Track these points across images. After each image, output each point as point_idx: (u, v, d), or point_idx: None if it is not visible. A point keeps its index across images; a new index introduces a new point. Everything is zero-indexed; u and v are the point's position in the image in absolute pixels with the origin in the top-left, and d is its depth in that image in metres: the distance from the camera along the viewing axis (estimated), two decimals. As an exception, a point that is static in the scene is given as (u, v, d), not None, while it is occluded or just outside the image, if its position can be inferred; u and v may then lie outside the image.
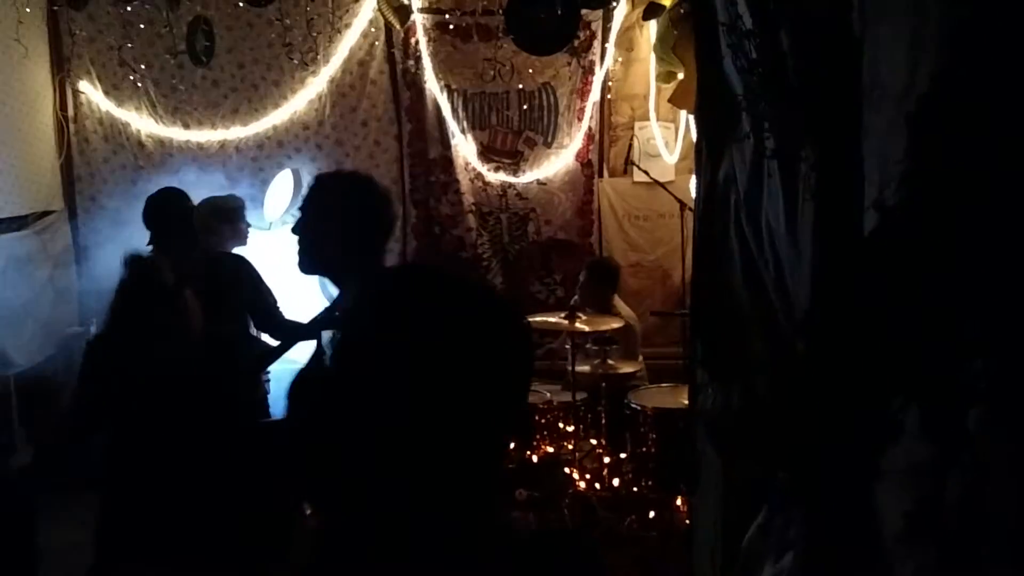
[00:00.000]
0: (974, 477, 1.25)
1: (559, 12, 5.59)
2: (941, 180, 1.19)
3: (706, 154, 2.69)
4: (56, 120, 5.92)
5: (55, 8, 5.80)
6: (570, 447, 4.92)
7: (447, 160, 6.35)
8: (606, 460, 4.83)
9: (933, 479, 1.25)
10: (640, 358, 5.43)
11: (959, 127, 1.17)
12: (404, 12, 5.76)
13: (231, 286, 3.61)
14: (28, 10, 5.50)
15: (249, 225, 4.49)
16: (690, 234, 5.33)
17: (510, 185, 6.43)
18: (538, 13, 5.53)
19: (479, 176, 6.40)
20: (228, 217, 4.33)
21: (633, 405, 4.74)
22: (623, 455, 4.82)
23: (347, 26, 6.03)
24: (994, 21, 1.16)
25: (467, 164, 6.36)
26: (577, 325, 4.77)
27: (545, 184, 6.44)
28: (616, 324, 4.97)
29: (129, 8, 5.77)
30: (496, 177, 6.41)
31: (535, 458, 4.83)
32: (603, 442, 4.91)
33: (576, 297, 5.54)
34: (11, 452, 4.69)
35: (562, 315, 4.83)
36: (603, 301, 5.37)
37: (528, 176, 6.42)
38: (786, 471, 1.56)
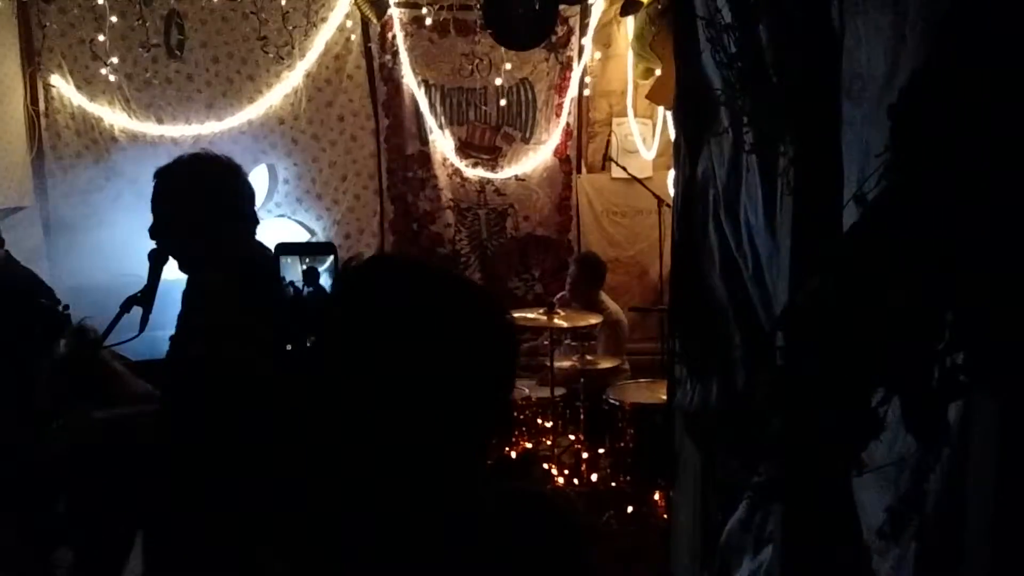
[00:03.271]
0: (954, 471, 1.25)
1: (537, 7, 5.57)
2: (923, 173, 1.19)
3: (685, 149, 2.69)
4: (27, 115, 5.81)
5: (25, 0, 5.70)
6: (548, 442, 4.92)
7: (425, 156, 6.32)
8: (584, 455, 4.83)
9: (914, 473, 1.25)
10: (624, 356, 5.43)
11: (941, 120, 1.17)
12: (381, 6, 5.71)
13: None
14: (-3, 2, 5.40)
15: None
16: (668, 230, 5.34)
17: (488, 181, 6.41)
18: (516, 8, 5.52)
19: (457, 172, 6.38)
20: None
21: (611, 400, 4.74)
22: (601, 450, 4.83)
23: (323, 20, 5.98)
24: (976, 12, 1.16)
25: (445, 160, 6.34)
26: (556, 321, 4.76)
27: (523, 180, 6.43)
28: (595, 320, 4.96)
29: (101, 1, 5.68)
30: (474, 173, 6.39)
31: (513, 454, 4.82)
32: (581, 437, 4.92)
33: (565, 291, 5.55)
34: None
35: (541, 311, 4.82)
36: (591, 295, 5.40)
37: (506, 172, 6.41)
38: (765, 466, 1.55)
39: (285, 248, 2.21)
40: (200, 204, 2.34)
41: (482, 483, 1.09)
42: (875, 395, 1.23)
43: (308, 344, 1.15)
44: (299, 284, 2.06)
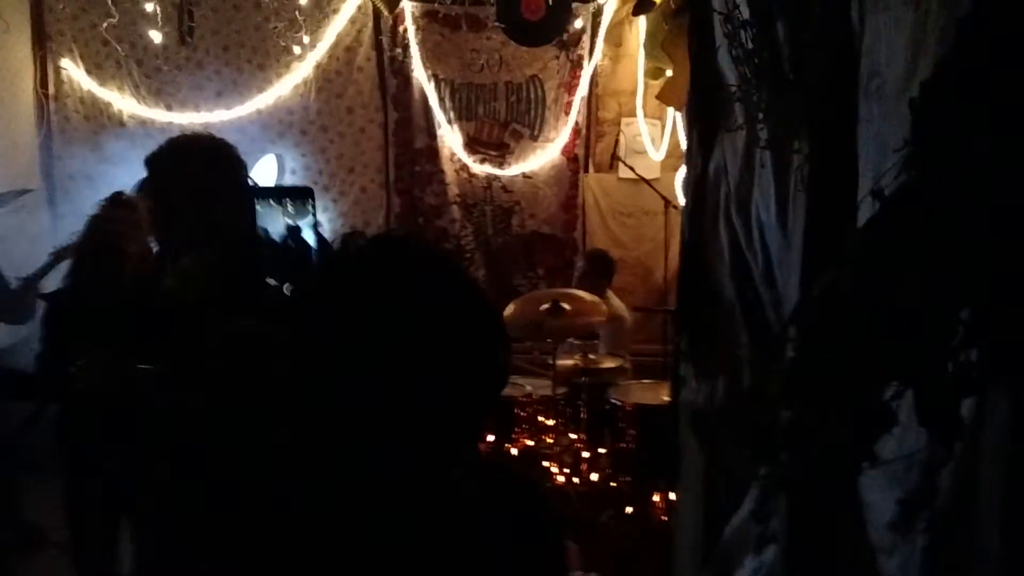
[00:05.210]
0: (967, 466, 1.24)
1: (549, 4, 5.57)
2: (942, 167, 1.18)
3: (697, 145, 2.68)
4: (36, 97, 5.82)
5: (37, -18, 5.71)
6: (550, 441, 4.91)
7: (432, 150, 6.32)
8: (585, 455, 4.82)
9: (926, 468, 1.24)
10: (626, 354, 5.42)
11: (962, 114, 1.16)
12: (393, -1, 5.72)
13: None
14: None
15: None
16: (674, 232, 5.33)
17: (495, 177, 6.41)
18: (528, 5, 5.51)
19: (464, 167, 6.38)
20: None
21: (613, 400, 4.74)
22: (602, 450, 4.81)
23: (335, 11, 5.98)
24: (1000, 8, 1.16)
25: (453, 155, 6.34)
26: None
27: (530, 177, 6.43)
28: (599, 319, 4.95)
29: (113, -15, 5.69)
30: (481, 169, 6.38)
31: (514, 451, 4.81)
32: (583, 436, 4.90)
33: (573, 287, 5.54)
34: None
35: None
36: (599, 292, 5.39)
37: (514, 169, 6.40)
38: (771, 464, 1.55)
39: (260, 192, 2.24)
40: (208, 181, 2.33)
41: (466, 468, 1.10)
42: (888, 390, 1.22)
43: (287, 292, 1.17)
44: (281, 235, 2.11)
